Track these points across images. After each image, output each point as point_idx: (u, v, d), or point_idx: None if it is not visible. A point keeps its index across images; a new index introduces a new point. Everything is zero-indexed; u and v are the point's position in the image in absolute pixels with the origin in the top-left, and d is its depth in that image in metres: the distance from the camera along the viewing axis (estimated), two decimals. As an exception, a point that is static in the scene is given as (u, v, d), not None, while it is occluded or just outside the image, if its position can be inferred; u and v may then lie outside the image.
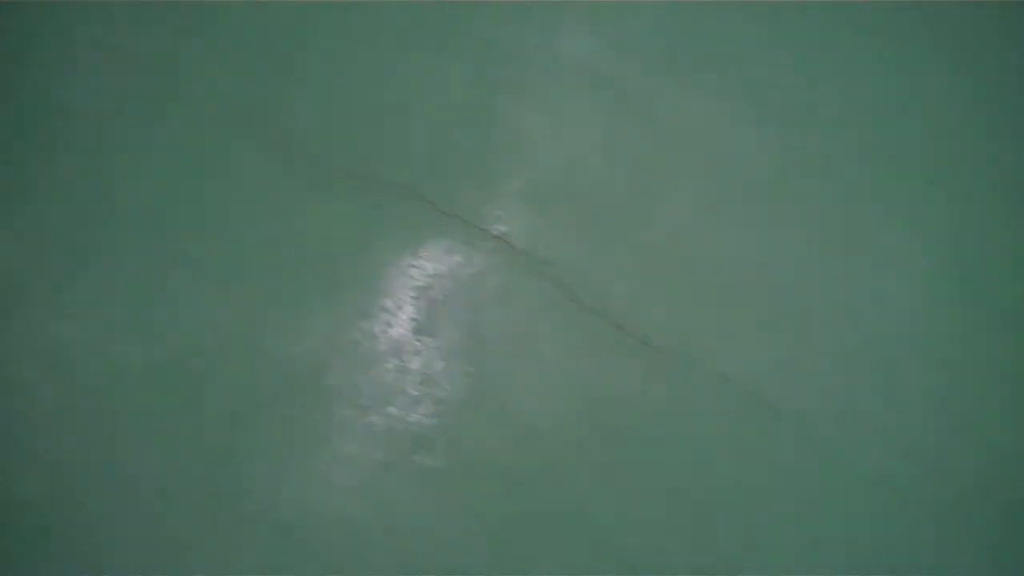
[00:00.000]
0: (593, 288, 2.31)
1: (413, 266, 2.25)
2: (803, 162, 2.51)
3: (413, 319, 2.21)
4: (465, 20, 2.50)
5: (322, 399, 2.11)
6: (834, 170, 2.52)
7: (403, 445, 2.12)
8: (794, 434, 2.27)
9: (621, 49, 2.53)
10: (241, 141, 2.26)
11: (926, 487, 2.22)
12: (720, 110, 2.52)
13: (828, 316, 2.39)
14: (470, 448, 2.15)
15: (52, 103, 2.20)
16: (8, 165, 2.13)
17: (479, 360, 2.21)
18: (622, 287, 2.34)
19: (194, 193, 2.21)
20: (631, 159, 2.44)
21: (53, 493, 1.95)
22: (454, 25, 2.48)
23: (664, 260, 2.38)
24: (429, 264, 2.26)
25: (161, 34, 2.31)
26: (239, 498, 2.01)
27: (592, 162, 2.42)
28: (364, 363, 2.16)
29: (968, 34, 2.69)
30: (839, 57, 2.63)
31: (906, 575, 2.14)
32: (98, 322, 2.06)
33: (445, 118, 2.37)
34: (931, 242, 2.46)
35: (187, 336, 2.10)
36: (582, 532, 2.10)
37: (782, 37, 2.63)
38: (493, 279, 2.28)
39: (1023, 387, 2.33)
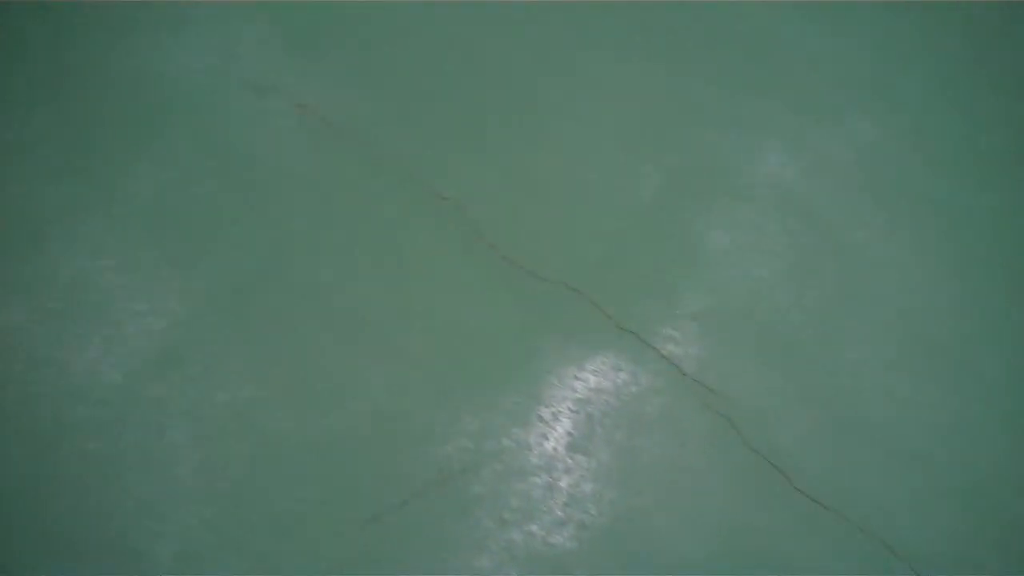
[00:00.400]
0: (759, 426, 2.16)
1: (577, 377, 2.13)
2: (998, 330, 2.33)
3: (569, 433, 2.09)
4: (662, 124, 2.42)
5: (465, 505, 2.00)
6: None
7: (540, 568, 1.99)
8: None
9: (820, 175, 2.40)
10: (423, 220, 2.20)
11: None
12: (917, 252, 2.36)
13: (1005, 495, 2.20)
14: (610, 581, 2.02)
15: (240, 162, 2.18)
16: (183, 227, 2.10)
17: (631, 487, 2.08)
18: (789, 430, 2.18)
19: (365, 269, 2.15)
20: (817, 293, 2.30)
21: (183, 559, 1.88)
22: (651, 128, 2.39)
23: (836, 411, 2.21)
24: (593, 377, 2.14)
25: (356, 101, 2.28)
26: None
27: (775, 291, 2.29)
28: (512, 473, 2.04)
29: None
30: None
31: None
32: (253, 392, 2.00)
33: (632, 225, 2.28)
34: None
35: (340, 415, 2.02)
36: None
37: (991, 181, 2.47)
38: (657, 402, 2.15)
39: None
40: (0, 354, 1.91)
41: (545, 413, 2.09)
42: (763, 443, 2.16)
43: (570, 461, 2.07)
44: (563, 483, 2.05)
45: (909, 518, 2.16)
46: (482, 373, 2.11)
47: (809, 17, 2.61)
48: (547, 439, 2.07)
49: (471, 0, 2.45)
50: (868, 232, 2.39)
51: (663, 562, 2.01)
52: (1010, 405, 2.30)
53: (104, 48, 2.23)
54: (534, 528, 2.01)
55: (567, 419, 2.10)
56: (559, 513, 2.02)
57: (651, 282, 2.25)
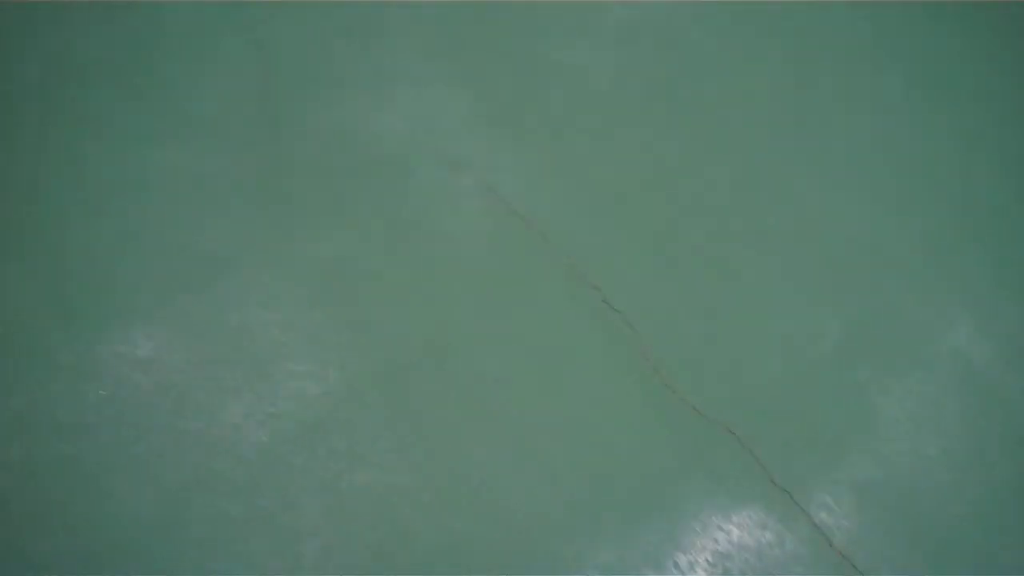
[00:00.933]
0: (901, 620, 2.01)
1: (721, 528, 2.01)
2: None
3: (702, 587, 1.97)
4: (852, 268, 2.29)
5: (582, 643, 1.90)
6: None
7: None
8: None
9: (1011, 358, 2.24)
10: (589, 328, 2.12)
11: None
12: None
13: None
14: None
15: (421, 236, 2.13)
16: (352, 292, 2.05)
17: (756, 660, 1.95)
18: (934, 630, 2.02)
19: (523, 369, 2.08)
20: (986, 485, 2.13)
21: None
22: (839, 271, 2.27)
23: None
24: (737, 531, 2.02)
25: (545, 191, 2.21)
26: None
27: (942, 475, 2.13)
28: (637, 618, 1.93)
29: None
30: None
31: None
32: (392, 478, 1.93)
33: (803, 375, 2.15)
34: None
35: (474, 518, 1.93)
36: None
37: None
38: (798, 572, 2.01)
39: None
40: (154, 391, 1.88)
41: (682, 560, 1.97)
42: (900, 635, 2.00)
43: (698, 618, 1.94)
44: (687, 641, 1.93)
45: None
46: (624, 502, 2.00)
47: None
48: (679, 589, 1.95)
49: (675, 116, 2.36)
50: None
51: None
52: None
53: (311, 99, 2.20)
54: None
55: (703, 572, 1.97)
56: (680, 674, 1.90)
57: (814, 440, 2.11)
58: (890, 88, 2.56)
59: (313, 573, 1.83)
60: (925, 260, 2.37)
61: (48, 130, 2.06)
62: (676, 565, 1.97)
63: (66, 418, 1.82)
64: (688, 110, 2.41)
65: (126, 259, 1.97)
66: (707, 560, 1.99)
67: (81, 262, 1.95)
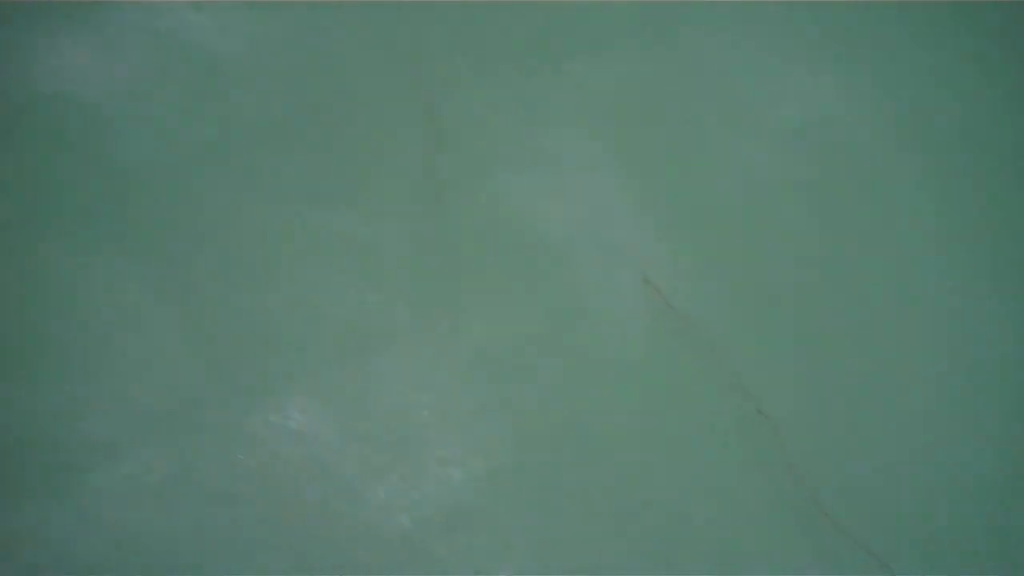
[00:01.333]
0: None
1: (863, 663, 1.91)
2: None
3: None
4: (1003, 399, 2.18)
5: None
6: None
7: None
8: None
9: None
10: (732, 431, 2.04)
11: None
12: None
13: None
14: None
15: (573, 326, 2.08)
16: (502, 380, 2.01)
17: None
18: None
19: (659, 472, 2.01)
20: None
21: None
22: (987, 402, 2.17)
23: None
24: (878, 667, 1.91)
25: (704, 288, 2.16)
26: None
27: (1105, 632, 2.00)
28: None
29: None
30: None
31: None
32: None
33: (960, 506, 2.04)
34: None
35: None
36: None
37: None
38: None
39: None
40: (302, 465, 1.85)
41: None
42: None
43: None
44: None
45: None
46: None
47: None
48: None
49: (843, 224, 2.30)
50: None
51: None
52: None
53: (475, 175, 2.20)
54: None
55: None
56: None
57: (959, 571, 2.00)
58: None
59: None
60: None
61: (217, 190, 2.07)
62: None
63: (213, 486, 1.81)
64: (856, 219, 2.34)
65: (285, 326, 1.96)
66: None
67: (240, 326, 1.95)
